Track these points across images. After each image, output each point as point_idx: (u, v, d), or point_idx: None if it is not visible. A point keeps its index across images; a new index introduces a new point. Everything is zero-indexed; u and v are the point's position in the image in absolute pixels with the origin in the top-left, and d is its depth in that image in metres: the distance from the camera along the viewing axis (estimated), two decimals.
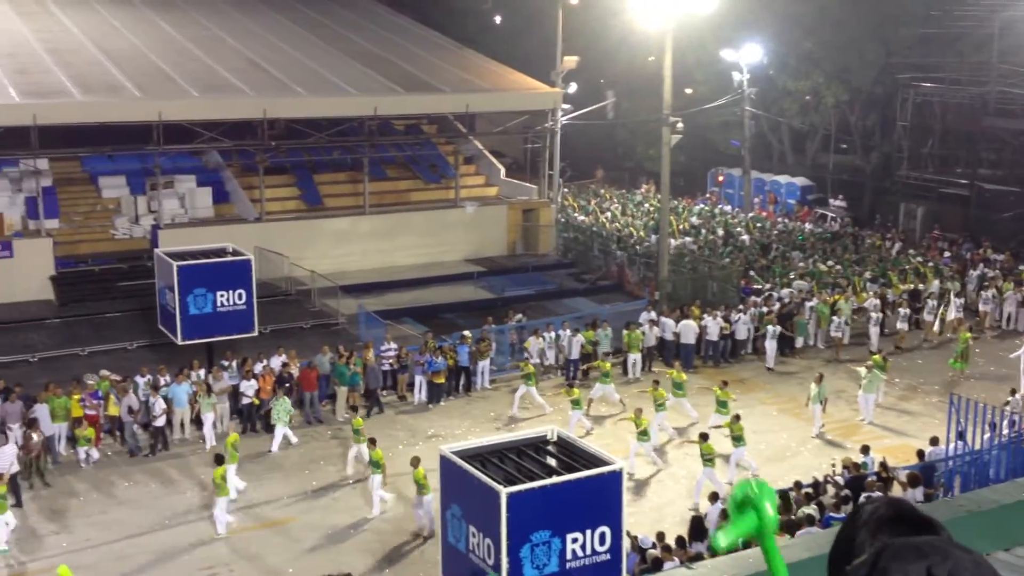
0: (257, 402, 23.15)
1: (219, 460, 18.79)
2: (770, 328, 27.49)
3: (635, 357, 26.91)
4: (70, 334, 28.02)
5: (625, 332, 27.15)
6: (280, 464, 21.47)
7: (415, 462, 18.39)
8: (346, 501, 19.91)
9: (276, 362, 24.06)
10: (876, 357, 24.91)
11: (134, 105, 30.84)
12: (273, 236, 32.41)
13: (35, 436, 20.45)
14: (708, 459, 19.45)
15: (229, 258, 24.17)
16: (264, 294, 27.63)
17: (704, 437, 19.87)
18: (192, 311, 22.94)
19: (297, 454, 21.94)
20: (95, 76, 32.32)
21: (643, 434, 20.84)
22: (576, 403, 22.75)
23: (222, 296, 23.26)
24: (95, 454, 21.38)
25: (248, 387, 23.03)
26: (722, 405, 21.94)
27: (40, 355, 26.41)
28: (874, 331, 28.68)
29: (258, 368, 23.54)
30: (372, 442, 19.75)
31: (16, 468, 19.10)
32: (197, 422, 22.73)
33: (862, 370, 24.15)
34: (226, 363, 23.73)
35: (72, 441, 21.49)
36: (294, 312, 30.43)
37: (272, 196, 34.79)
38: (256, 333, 24.32)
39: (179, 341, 23.30)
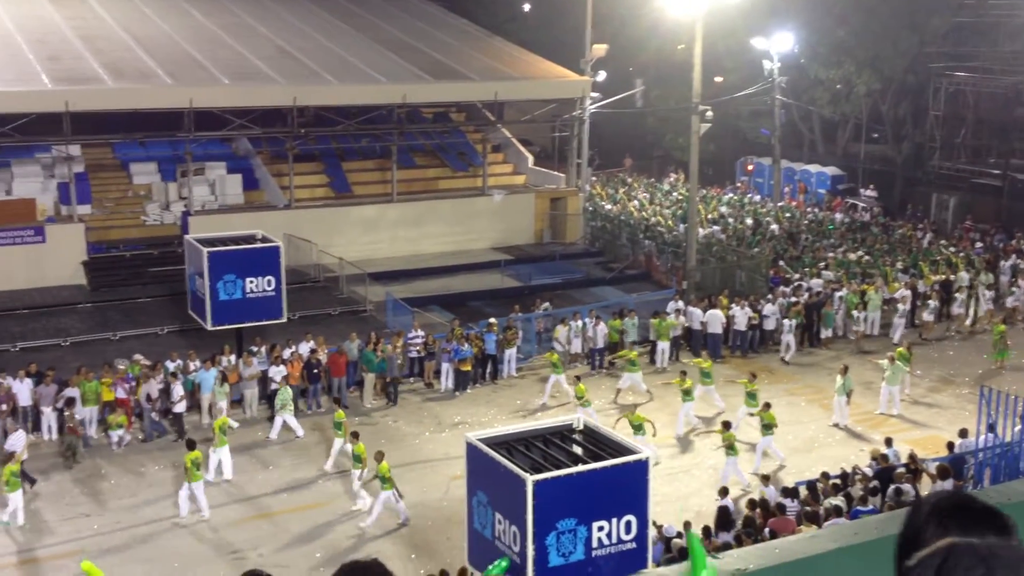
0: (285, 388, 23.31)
1: (191, 446, 18.99)
2: (786, 322, 27.26)
3: (664, 345, 26.87)
4: (102, 319, 28.32)
5: (655, 320, 27.10)
6: (307, 450, 21.63)
7: (379, 456, 18.47)
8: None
9: (304, 348, 24.22)
10: (900, 349, 24.73)
11: (165, 92, 31.06)
12: (302, 223, 32.58)
13: (75, 415, 20.95)
14: (730, 448, 19.43)
15: (258, 245, 24.35)
16: (293, 281, 27.82)
17: (727, 426, 19.85)
18: (222, 297, 23.14)
19: (325, 440, 22.08)
20: (127, 63, 32.57)
21: (638, 428, 20.34)
22: (582, 400, 22.30)
23: (251, 282, 23.46)
24: (127, 438, 21.65)
25: (277, 373, 23.20)
26: (751, 397, 21.87)
27: (72, 339, 26.71)
28: (899, 323, 28.39)
29: (287, 354, 23.70)
30: (355, 436, 19.59)
31: (26, 456, 19.27)
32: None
33: (884, 362, 23.99)
34: (255, 349, 23.92)
35: (103, 425, 21.75)
36: (322, 299, 30.60)
37: (301, 183, 34.96)
38: (285, 319, 24.52)
39: (209, 327, 23.52)
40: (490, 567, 5.26)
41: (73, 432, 20.78)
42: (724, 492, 17.70)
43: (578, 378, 23.56)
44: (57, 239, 30.34)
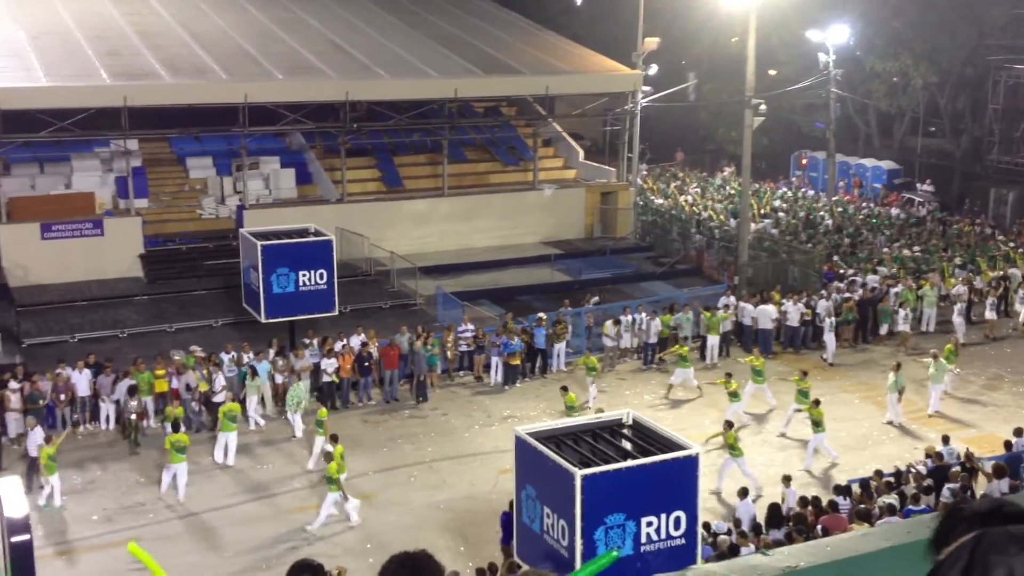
0: (336, 380, 23.57)
1: (175, 427, 19.64)
2: (828, 320, 26.88)
3: (714, 340, 26.69)
4: (158, 311, 28.80)
5: (705, 314, 26.92)
6: (359, 441, 21.82)
7: (328, 457, 18.58)
8: (423, 479, 20.18)
9: (356, 341, 24.43)
10: (948, 346, 24.28)
11: (221, 87, 31.47)
12: (354, 217, 32.83)
13: (134, 402, 21.51)
14: (732, 448, 19.14)
15: (311, 238, 24.59)
16: (344, 274, 28.06)
17: (728, 426, 19.52)
18: (275, 290, 23.43)
19: (376, 432, 22.28)
20: (183, 58, 33.05)
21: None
22: (573, 410, 21.87)
23: (304, 276, 23.72)
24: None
25: (328, 365, 23.44)
26: (802, 394, 21.65)
27: (129, 331, 27.21)
28: (958, 320, 27.87)
29: (338, 347, 23.93)
30: (334, 439, 19.37)
31: (35, 453, 19.25)
32: (279, 400, 23.26)
33: (928, 360, 23.57)
34: (307, 341, 24.18)
35: (160, 416, 22.12)
36: (373, 292, 30.83)
37: (353, 178, 35.23)
38: (336, 312, 24.75)
39: (262, 319, 23.82)
40: (599, 557, 5.22)
41: (139, 418, 21.41)
42: (744, 493, 17.47)
43: (564, 388, 22.64)
44: (115, 232, 30.89)
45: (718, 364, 26.13)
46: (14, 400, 21.23)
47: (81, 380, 22.16)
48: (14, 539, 12.07)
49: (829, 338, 26.80)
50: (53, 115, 29.32)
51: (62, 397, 21.69)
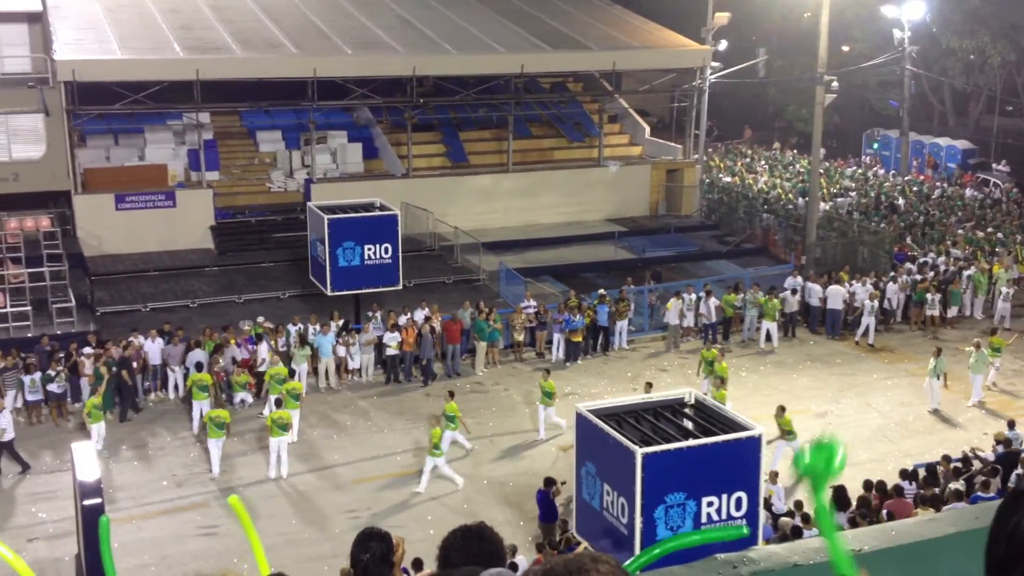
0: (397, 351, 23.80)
1: (278, 403, 19.66)
2: (867, 303, 26.30)
3: (769, 325, 26.19)
4: (227, 282, 29.31)
5: (761, 299, 26.47)
6: (421, 415, 22.03)
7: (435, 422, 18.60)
8: (484, 453, 20.32)
9: (419, 315, 24.63)
10: (995, 339, 23.49)
11: (291, 62, 31.78)
12: (419, 192, 33.02)
13: (220, 361, 22.10)
14: (788, 433, 18.87)
15: (377, 213, 24.79)
16: (409, 249, 28.27)
17: (781, 410, 19.10)
18: (341, 263, 23.70)
19: (437, 406, 22.46)
20: (254, 32, 33.41)
21: (436, 448, 18.60)
22: (548, 396, 20.59)
23: (369, 249, 23.96)
24: (249, 398, 22.38)
25: (391, 339, 23.66)
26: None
27: (200, 301, 27.75)
28: (1003, 306, 27.06)
29: (402, 320, 24.15)
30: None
31: (11, 435, 19.36)
32: (341, 373, 23.58)
33: (971, 349, 22.93)
34: (371, 315, 24.44)
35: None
36: (437, 267, 31.01)
37: (419, 152, 35.39)
38: (400, 286, 24.96)
39: (328, 292, 24.13)
40: (727, 528, 5.14)
41: (219, 377, 21.96)
42: (774, 476, 17.18)
43: (547, 371, 21.46)
44: (187, 204, 31.45)
45: (776, 349, 25.76)
46: (87, 366, 21.83)
47: (153, 349, 22.68)
48: (86, 502, 12.42)
49: (869, 320, 26.18)
50: (128, 88, 29.91)
51: (135, 365, 22.21)
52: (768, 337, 26.04)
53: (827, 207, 35.34)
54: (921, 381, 23.62)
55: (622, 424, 12.49)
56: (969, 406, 22.32)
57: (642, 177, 37.21)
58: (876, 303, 26.38)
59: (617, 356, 25.62)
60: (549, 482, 16.96)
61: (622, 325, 26.08)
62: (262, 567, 6.14)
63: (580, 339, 25.07)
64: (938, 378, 22.01)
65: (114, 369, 21.67)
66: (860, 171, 44.50)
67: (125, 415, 21.71)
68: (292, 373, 22.24)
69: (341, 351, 23.52)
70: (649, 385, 20.60)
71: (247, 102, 33.66)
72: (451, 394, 20.24)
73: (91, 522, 10.97)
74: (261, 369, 22.28)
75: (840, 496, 16.23)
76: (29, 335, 23.58)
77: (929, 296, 27.05)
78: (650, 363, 25.17)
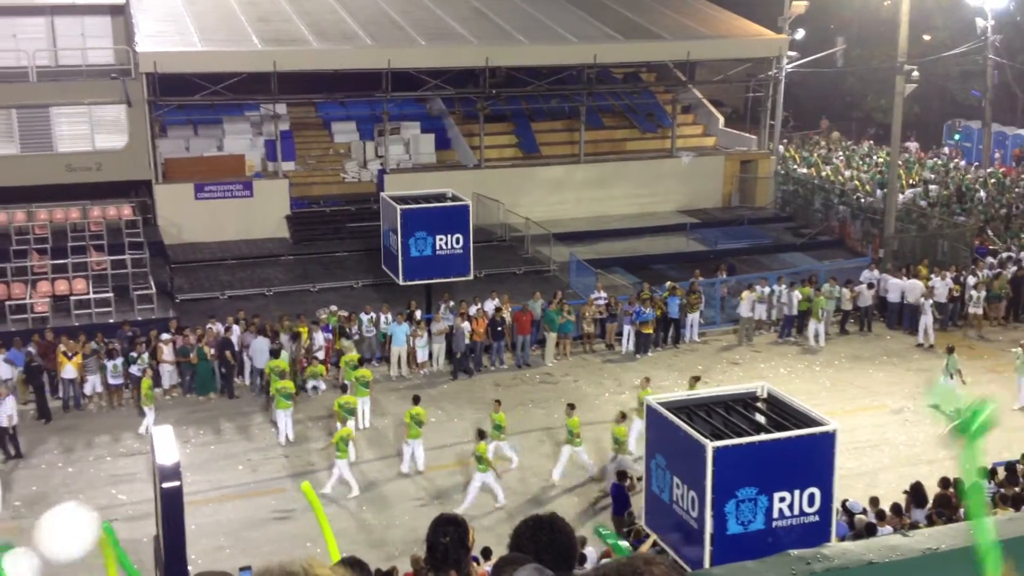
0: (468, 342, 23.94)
1: (344, 388, 20.07)
2: (925, 302, 25.57)
3: (816, 326, 25.51)
4: (302, 271, 29.77)
5: (805, 290, 25.85)
6: (490, 405, 22.09)
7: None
8: (554, 444, 20.34)
9: (490, 306, 24.73)
10: None
11: (365, 53, 32.09)
12: (490, 182, 33.11)
13: (302, 347, 22.57)
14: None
15: (449, 203, 24.94)
16: (480, 239, 28.38)
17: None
18: (413, 253, 23.89)
19: (507, 396, 22.51)
20: (330, 24, 33.81)
21: (481, 462, 17.84)
22: (498, 428, 19.14)
23: (441, 240, 24.10)
24: (322, 385, 22.72)
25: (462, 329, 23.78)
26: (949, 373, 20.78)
27: (275, 289, 28.24)
28: None
29: (472, 311, 24.27)
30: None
31: (16, 421, 19.66)
32: (413, 363, 23.80)
33: (1017, 350, 22.17)
34: (443, 305, 24.60)
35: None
36: (507, 258, 31.09)
37: (491, 143, 35.49)
38: (471, 277, 25.08)
39: (400, 282, 24.36)
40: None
41: (299, 364, 22.41)
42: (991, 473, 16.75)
43: (498, 401, 19.81)
44: (263, 194, 31.99)
45: (821, 347, 25.26)
46: (167, 352, 22.38)
47: (231, 336, 23.13)
48: (165, 485, 12.74)
49: (927, 320, 25.39)
50: (207, 79, 30.50)
51: (213, 351, 22.68)
52: (816, 336, 25.43)
53: (905, 199, 34.51)
54: (1002, 377, 23.03)
55: (692, 417, 12.41)
56: (1015, 409, 21.47)
57: (715, 168, 36.82)
58: (932, 301, 25.69)
59: (688, 349, 25.43)
60: (623, 475, 16.94)
61: (693, 318, 25.87)
62: (332, 552, 6.24)
63: (651, 331, 24.93)
64: (951, 376, 21.40)
65: (212, 352, 22.26)
66: (940, 162, 43.45)
67: (232, 392, 22.56)
68: (363, 361, 22.51)
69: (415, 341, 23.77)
70: (695, 379, 20.22)
71: (323, 93, 34.09)
72: (498, 403, 19.61)
73: (170, 504, 11.25)
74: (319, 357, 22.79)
75: (918, 493, 15.94)
76: (111, 321, 24.24)
77: (974, 294, 26.18)
78: (721, 356, 24.96)
